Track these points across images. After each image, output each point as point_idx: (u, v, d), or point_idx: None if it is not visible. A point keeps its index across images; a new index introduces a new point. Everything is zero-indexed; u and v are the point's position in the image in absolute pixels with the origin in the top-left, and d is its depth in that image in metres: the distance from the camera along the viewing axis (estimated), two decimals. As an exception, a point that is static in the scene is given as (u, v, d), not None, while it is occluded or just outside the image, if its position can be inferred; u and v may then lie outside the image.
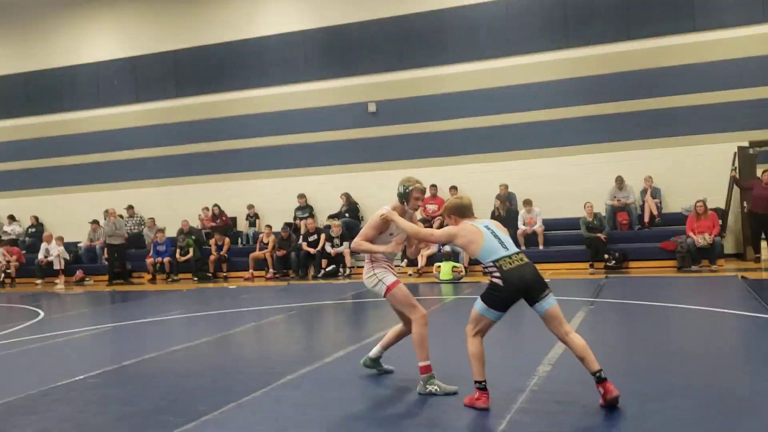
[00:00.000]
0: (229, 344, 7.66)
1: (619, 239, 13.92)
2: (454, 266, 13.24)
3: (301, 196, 16.82)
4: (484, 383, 4.50)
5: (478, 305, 4.54)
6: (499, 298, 4.46)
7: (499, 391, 4.68)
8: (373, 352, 5.52)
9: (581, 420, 4.22)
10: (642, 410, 4.32)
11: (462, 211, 4.81)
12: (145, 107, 18.74)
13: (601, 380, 4.32)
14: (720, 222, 13.05)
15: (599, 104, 14.86)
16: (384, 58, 16.53)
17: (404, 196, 5.08)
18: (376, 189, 16.48)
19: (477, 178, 15.58)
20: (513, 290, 4.42)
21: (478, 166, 15.69)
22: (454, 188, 15.37)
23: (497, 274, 4.45)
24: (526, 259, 4.54)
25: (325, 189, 16.85)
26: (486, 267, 4.54)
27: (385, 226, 5.05)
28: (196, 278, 15.93)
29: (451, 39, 15.98)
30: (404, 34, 16.35)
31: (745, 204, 13.45)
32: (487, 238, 4.56)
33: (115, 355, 7.26)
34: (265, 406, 4.89)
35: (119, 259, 16.55)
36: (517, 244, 14.15)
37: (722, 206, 13.63)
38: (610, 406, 4.30)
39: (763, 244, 13.45)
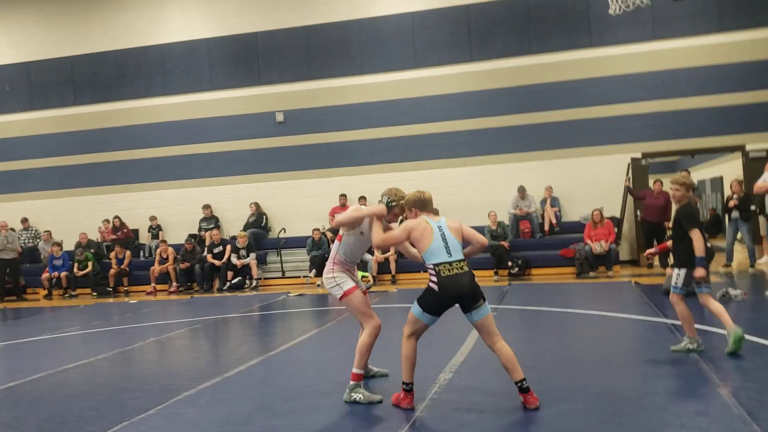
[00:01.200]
0: (127, 361, 7.39)
1: (522, 247, 14.31)
2: (363, 275, 13.22)
3: (206, 207, 16.49)
4: (410, 385, 4.62)
5: (414, 308, 4.62)
6: (433, 303, 4.53)
7: (394, 393, 4.69)
8: None
9: (479, 426, 4.28)
10: (540, 413, 4.43)
11: (422, 204, 4.83)
12: (41, 115, 17.93)
13: (523, 390, 4.48)
14: (615, 230, 13.61)
15: (502, 116, 15.26)
16: (291, 68, 16.44)
17: (387, 207, 5.00)
18: (284, 199, 16.39)
19: (383, 188, 15.61)
20: (447, 297, 4.49)
21: (385, 176, 15.76)
22: (363, 198, 15.44)
23: (434, 279, 4.52)
24: (466, 268, 4.56)
25: (232, 199, 16.59)
26: (427, 268, 4.58)
27: (358, 221, 5.04)
28: (95, 293, 15.32)
29: (358, 50, 16.07)
30: (312, 45, 16.32)
31: (638, 212, 14.08)
32: (435, 239, 4.59)
33: (2, 375, 6.87)
34: (158, 424, 4.72)
35: (11, 275, 15.68)
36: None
37: (617, 215, 14.22)
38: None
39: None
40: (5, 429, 4.81)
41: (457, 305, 4.59)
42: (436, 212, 4.95)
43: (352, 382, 4.86)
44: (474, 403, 4.76)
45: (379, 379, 5.51)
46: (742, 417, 4.10)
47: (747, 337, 6.37)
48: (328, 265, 5.18)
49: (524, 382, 4.47)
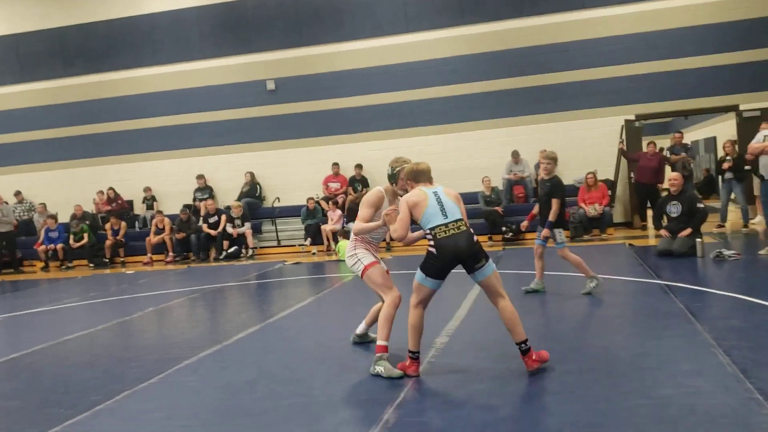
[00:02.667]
0: (126, 331, 7.44)
1: (516, 212, 14.33)
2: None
3: (200, 177, 16.44)
4: (417, 354, 4.61)
5: (417, 275, 4.59)
6: (434, 267, 4.51)
7: (400, 362, 4.74)
8: (359, 329, 5.66)
9: (475, 388, 4.34)
10: (536, 375, 4.49)
11: (416, 175, 4.80)
12: (31, 87, 17.76)
13: (523, 351, 4.49)
14: (609, 192, 13.65)
15: (495, 80, 15.19)
16: (282, 35, 16.28)
17: (392, 177, 5.03)
18: (277, 168, 16.35)
19: (378, 155, 15.62)
20: (446, 259, 4.46)
21: (378, 143, 15.76)
22: (358, 166, 15.43)
23: (432, 243, 4.49)
24: (463, 228, 4.52)
25: (225, 169, 16.56)
26: (426, 234, 4.57)
27: (379, 201, 5.04)
28: (91, 264, 15.35)
29: (349, 15, 15.90)
30: (301, 11, 16.14)
31: (632, 175, 14.10)
32: (430, 204, 4.57)
33: (3, 347, 6.92)
34: (160, 392, 4.78)
35: (8, 248, 15.70)
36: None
37: (611, 177, 14.25)
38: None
39: (649, 212, 14.14)
40: (9, 400, 4.86)
41: (461, 268, 4.55)
42: (430, 179, 4.92)
43: (376, 354, 4.74)
44: (470, 366, 4.82)
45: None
46: (736, 375, 4.17)
47: (741, 297, 6.47)
48: (351, 243, 5.20)
49: (524, 344, 4.48)
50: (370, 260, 5.04)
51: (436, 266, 4.51)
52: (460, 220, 4.57)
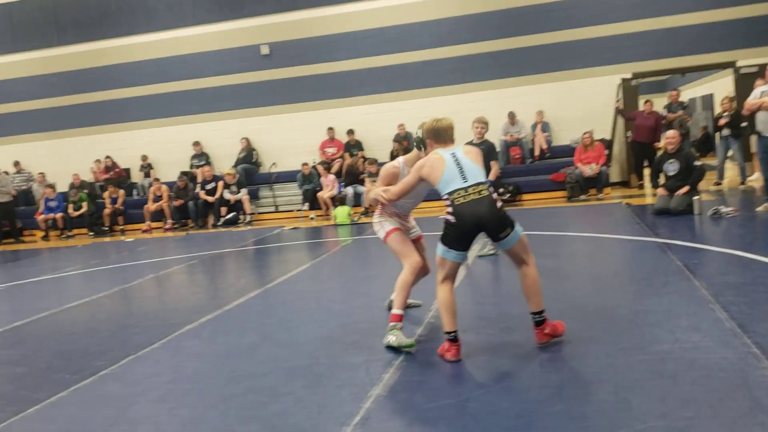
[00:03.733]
0: (127, 298, 7.49)
1: (513, 173, 14.33)
2: (349, 212, 13.37)
3: (196, 144, 16.39)
4: (454, 334, 4.14)
5: (438, 248, 4.19)
6: (452, 236, 4.11)
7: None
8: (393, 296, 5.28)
9: (475, 345, 4.39)
10: (531, 334, 4.53)
11: (435, 134, 4.37)
12: (25, 56, 17.60)
13: (536, 323, 4.19)
14: (606, 152, 13.63)
15: (490, 41, 15.05)
16: (275, -1, 16.10)
17: (421, 143, 4.64)
18: (273, 133, 16.29)
19: (374, 119, 15.60)
20: (466, 226, 4.06)
21: (374, 107, 15.69)
22: (350, 132, 15.40)
23: (450, 209, 4.08)
24: (485, 192, 4.07)
25: (221, 135, 16.49)
26: (444, 200, 4.14)
27: (393, 178, 4.73)
28: (91, 233, 15.38)
29: (343, -23, 15.70)
30: (294, -27, 15.94)
31: (628, 134, 14.07)
32: (448, 167, 4.15)
33: (7, 315, 6.95)
34: (164, 356, 4.84)
35: (7, 217, 15.71)
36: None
37: (608, 137, 14.22)
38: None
39: (646, 171, 14.14)
40: (16, 366, 4.92)
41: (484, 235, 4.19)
42: (452, 139, 4.44)
43: (390, 323, 4.45)
44: (468, 326, 4.86)
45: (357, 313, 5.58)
46: (734, 330, 4.22)
47: (738, 253, 6.51)
48: (377, 211, 5.01)
49: (539, 315, 4.16)
50: (392, 226, 4.87)
51: (455, 235, 4.09)
52: (482, 183, 4.12)
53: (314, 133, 15.84)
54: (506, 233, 4.10)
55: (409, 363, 4.20)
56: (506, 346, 4.36)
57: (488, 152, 7.45)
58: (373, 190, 4.62)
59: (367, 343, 4.63)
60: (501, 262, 7.61)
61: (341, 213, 13.20)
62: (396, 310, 4.50)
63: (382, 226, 4.90)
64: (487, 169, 7.21)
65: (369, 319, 5.14)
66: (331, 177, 14.60)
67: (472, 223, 4.05)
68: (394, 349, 4.36)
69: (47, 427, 3.71)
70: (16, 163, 17.41)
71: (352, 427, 3.32)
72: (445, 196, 4.12)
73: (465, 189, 4.08)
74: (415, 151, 4.76)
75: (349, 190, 14.24)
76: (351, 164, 14.75)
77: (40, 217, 15.65)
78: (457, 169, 4.15)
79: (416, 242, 5.09)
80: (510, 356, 4.15)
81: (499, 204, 4.10)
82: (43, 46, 17.46)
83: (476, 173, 4.16)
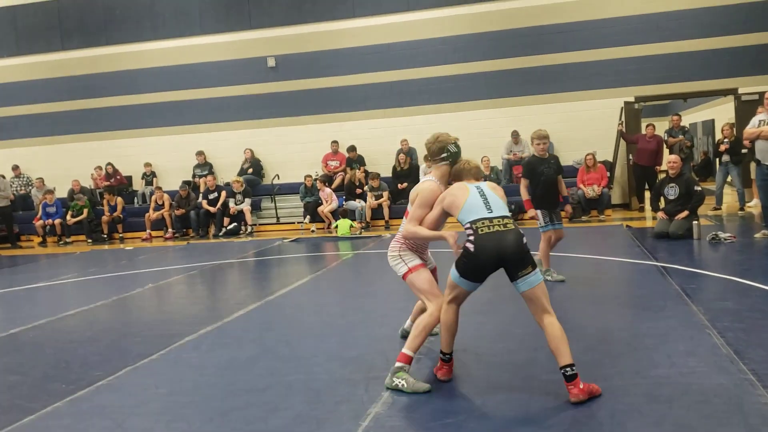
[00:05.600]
0: (126, 307, 7.49)
1: (515, 192, 14.29)
2: (351, 225, 13.47)
3: (200, 154, 16.43)
4: (448, 355, 4.12)
5: (452, 271, 4.00)
6: (469, 266, 3.90)
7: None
8: (407, 324, 5.04)
9: (474, 365, 4.40)
10: (533, 356, 4.56)
11: (457, 175, 4.26)
12: (29, 60, 17.67)
13: (567, 377, 3.71)
14: (608, 174, 13.68)
15: (495, 60, 15.15)
16: (282, 12, 16.19)
17: (455, 156, 4.37)
18: (277, 145, 16.36)
19: (378, 134, 15.68)
20: (485, 258, 3.83)
21: (379, 122, 15.78)
22: (351, 149, 15.48)
23: (471, 238, 3.86)
24: (511, 226, 3.86)
25: (225, 145, 16.55)
26: (465, 230, 3.94)
27: (435, 198, 4.23)
28: (90, 240, 15.38)
29: (350, -8, 15.84)
30: (302, -13, 16.07)
31: (630, 156, 14.13)
32: (472, 196, 3.99)
33: (2, 322, 6.95)
34: (162, 368, 4.84)
35: (5, 222, 15.70)
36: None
37: (610, 159, 14.28)
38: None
39: (647, 194, 14.19)
40: (11, 374, 4.92)
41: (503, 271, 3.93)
42: (476, 177, 4.29)
43: (398, 364, 4.06)
44: (468, 345, 4.87)
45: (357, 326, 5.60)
46: (730, 356, 4.23)
47: (735, 279, 6.54)
48: (396, 242, 4.47)
49: (570, 368, 3.71)
50: (415, 263, 4.37)
51: (472, 266, 3.89)
52: (508, 217, 3.94)
53: (318, 146, 15.90)
54: (528, 271, 3.82)
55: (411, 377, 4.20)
56: (506, 366, 4.38)
57: (559, 166, 7.21)
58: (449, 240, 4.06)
59: (367, 360, 4.64)
60: (504, 281, 7.62)
61: (343, 225, 13.26)
62: (408, 352, 4.09)
63: (403, 260, 4.39)
64: (556, 185, 7.12)
65: (368, 335, 5.16)
66: (328, 191, 14.62)
67: (494, 255, 3.81)
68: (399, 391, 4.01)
69: (44, 435, 3.71)
70: (15, 168, 17.41)
71: (349, 445, 3.33)
72: (467, 225, 3.91)
73: (490, 219, 3.88)
74: (444, 167, 4.37)
75: (351, 204, 14.31)
76: (350, 178, 14.84)
77: (38, 223, 15.65)
78: (482, 199, 3.98)
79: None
80: (510, 377, 4.16)
81: (525, 239, 3.86)
82: (47, 51, 17.54)
83: (501, 206, 3.98)
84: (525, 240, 3.86)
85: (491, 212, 3.92)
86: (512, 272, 3.85)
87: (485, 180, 4.48)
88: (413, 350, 4.09)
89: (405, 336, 4.91)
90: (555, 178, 7.07)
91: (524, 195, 7.16)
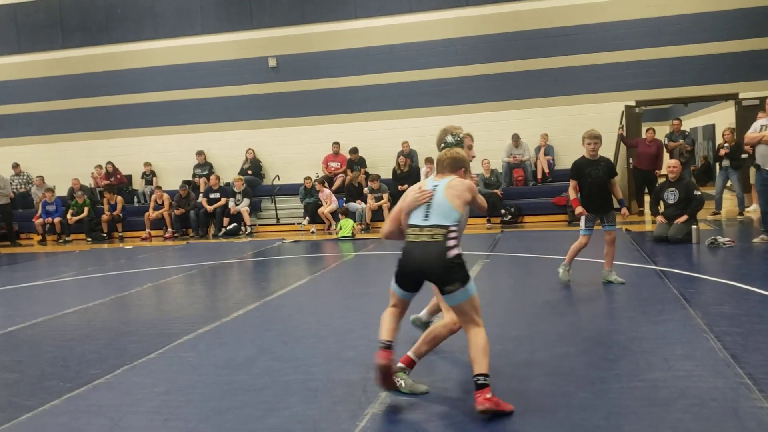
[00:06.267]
0: (125, 306, 7.49)
1: (515, 195, 14.40)
2: (354, 225, 13.49)
3: (200, 153, 16.44)
4: (387, 343, 3.78)
5: (392, 278, 3.90)
6: (398, 273, 3.81)
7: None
8: (422, 314, 4.94)
9: (470, 366, 4.40)
10: (531, 357, 4.57)
11: (437, 163, 4.09)
12: (30, 58, 17.69)
13: (477, 386, 3.61)
14: (608, 178, 13.66)
15: (496, 63, 15.16)
16: (284, 12, 16.21)
17: (458, 146, 4.16)
18: (277, 146, 16.36)
19: (379, 135, 15.69)
20: (408, 268, 3.74)
21: (379, 123, 15.79)
22: (353, 151, 15.47)
23: (403, 244, 3.82)
24: (438, 238, 3.66)
25: (225, 146, 16.55)
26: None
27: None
28: (89, 239, 15.38)
29: (352, -6, 15.85)
30: (304, -12, 16.08)
31: (630, 160, 14.13)
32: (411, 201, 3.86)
33: (1, 320, 6.93)
34: (159, 367, 4.84)
35: (5, 220, 15.71)
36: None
37: (610, 163, 14.26)
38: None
39: (646, 198, 14.19)
40: (8, 372, 4.92)
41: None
42: (451, 169, 3.98)
43: (399, 365, 3.96)
44: (465, 346, 4.85)
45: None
46: (727, 360, 4.24)
47: (734, 283, 6.54)
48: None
49: (481, 378, 3.60)
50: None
51: (400, 274, 3.79)
52: (441, 227, 3.69)
53: (318, 147, 15.90)
54: (453, 288, 3.63)
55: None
56: (502, 368, 4.37)
57: (611, 169, 7.02)
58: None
59: (365, 360, 4.63)
60: (503, 282, 7.63)
61: (346, 225, 13.25)
62: (413, 356, 4.00)
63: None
64: (608, 188, 6.93)
65: (366, 336, 5.15)
66: (327, 192, 14.62)
67: (415, 267, 3.70)
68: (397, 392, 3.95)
69: (40, 433, 3.71)
70: (16, 165, 17.42)
71: (345, 445, 3.34)
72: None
73: (420, 228, 3.74)
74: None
75: (352, 205, 14.34)
76: (351, 180, 14.85)
77: (38, 221, 15.66)
78: (426, 204, 3.81)
79: None
80: (507, 378, 4.16)
81: (452, 253, 3.65)
82: (48, 49, 17.56)
83: (443, 214, 3.74)
84: (453, 254, 3.64)
85: (426, 220, 3.75)
86: (439, 286, 3.72)
87: (476, 176, 4.34)
88: (419, 357, 4.02)
89: (415, 323, 4.93)
90: (604, 181, 6.88)
91: (572, 195, 7.11)
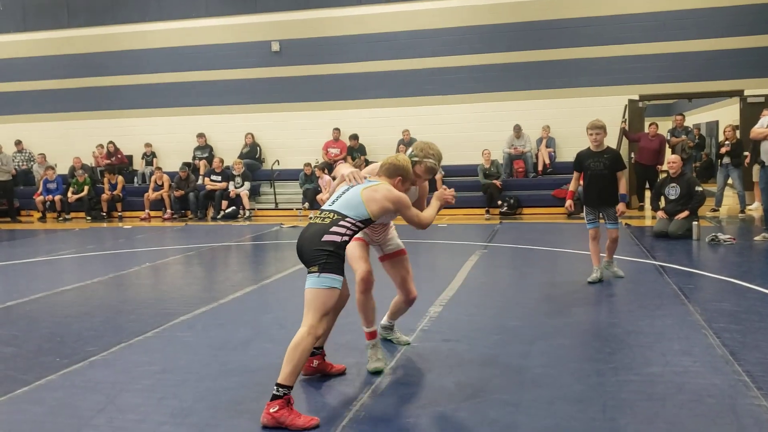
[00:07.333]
0: (123, 285, 7.48)
1: (515, 186, 14.37)
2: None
3: (201, 136, 16.40)
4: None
5: None
6: None
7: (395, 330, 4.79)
8: (384, 320, 4.78)
9: (468, 356, 4.40)
10: (528, 347, 4.56)
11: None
12: (34, 36, 17.61)
13: (273, 396, 3.41)
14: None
15: (500, 53, 15.09)
16: (289, -4, 16.14)
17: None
18: (278, 131, 16.31)
19: (379, 123, 15.63)
20: (297, 249, 3.65)
21: (381, 111, 15.73)
22: (354, 137, 15.40)
23: None
24: (327, 221, 3.57)
25: (226, 129, 16.50)
26: None
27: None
28: (89, 218, 15.37)
29: (358, -21, 15.76)
30: (310, -28, 15.99)
31: (632, 155, 14.10)
32: (341, 189, 3.82)
33: (-2, 295, 6.96)
34: (156, 346, 4.84)
35: (6, 196, 15.71)
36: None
37: (612, 157, 14.22)
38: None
39: (647, 193, 14.17)
40: (5, 346, 4.91)
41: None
42: (387, 174, 3.89)
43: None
44: (462, 336, 4.88)
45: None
46: (725, 357, 4.23)
47: (733, 281, 6.53)
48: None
49: (278, 389, 3.40)
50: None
51: None
52: (339, 214, 3.60)
53: (319, 133, 15.85)
54: (312, 270, 3.49)
55: (401, 368, 4.21)
56: (499, 358, 4.37)
57: (614, 162, 6.59)
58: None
59: (359, 345, 4.63)
60: (500, 273, 7.62)
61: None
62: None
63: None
64: (615, 181, 6.59)
65: (359, 321, 5.13)
66: (327, 178, 14.56)
67: (298, 247, 3.63)
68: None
69: (34, 409, 3.70)
70: (18, 143, 17.38)
71: (340, 429, 3.33)
72: None
73: (322, 210, 3.71)
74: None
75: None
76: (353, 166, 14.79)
77: (39, 198, 15.65)
78: (340, 194, 3.75)
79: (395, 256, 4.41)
80: (502, 369, 4.16)
81: (329, 238, 3.49)
82: (54, 27, 17.47)
83: (349, 206, 3.63)
84: (329, 239, 3.49)
85: (331, 206, 3.69)
86: (306, 266, 3.55)
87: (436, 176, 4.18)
88: (367, 324, 4.23)
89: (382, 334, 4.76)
90: (605, 174, 6.53)
91: (571, 186, 6.96)
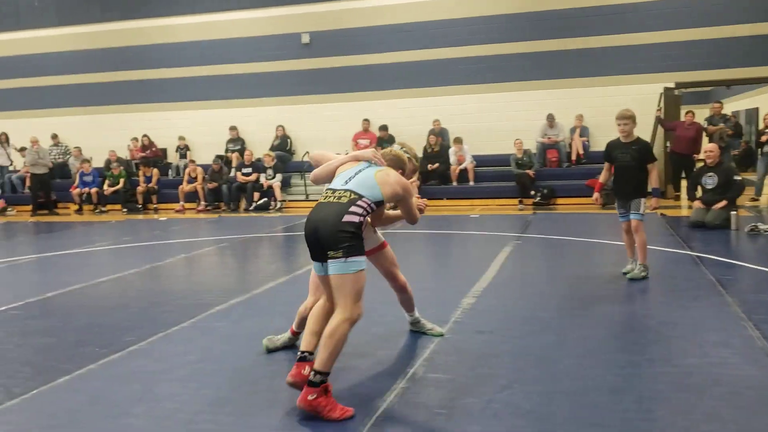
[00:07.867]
0: (158, 276, 7.60)
1: (548, 176, 14.24)
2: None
3: (233, 129, 16.53)
4: (300, 353, 3.72)
5: None
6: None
7: (427, 320, 4.80)
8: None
9: (501, 347, 4.39)
10: (562, 338, 4.54)
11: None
12: (69, 31, 17.86)
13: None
14: (644, 161, 13.43)
15: (532, 41, 14.92)
16: (319, -13, 16.15)
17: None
18: (308, 122, 16.35)
19: (410, 113, 15.59)
20: (306, 231, 3.50)
21: (411, 101, 15.67)
22: (383, 128, 15.35)
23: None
24: (344, 200, 3.46)
25: (257, 121, 16.60)
26: None
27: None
28: (125, 210, 15.61)
29: (388, -30, 15.70)
30: (340, -37, 15.97)
31: (668, 144, 13.88)
32: (349, 170, 3.71)
33: (38, 286, 7.08)
34: (192, 336, 4.91)
35: (43, 189, 16.04)
36: (448, 181, 14.51)
37: (647, 146, 14.02)
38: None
39: (683, 183, 13.94)
40: (45, 337, 5.02)
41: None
42: (392, 166, 3.91)
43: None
44: (495, 327, 4.86)
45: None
46: (765, 349, 4.16)
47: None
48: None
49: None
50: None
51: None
52: (355, 194, 3.50)
53: (349, 123, 15.85)
54: (336, 255, 3.35)
55: (435, 359, 4.21)
56: (532, 349, 4.35)
57: (642, 154, 6.35)
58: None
59: (393, 336, 4.65)
60: (534, 264, 7.58)
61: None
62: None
63: None
64: (645, 173, 6.35)
65: (393, 313, 5.14)
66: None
67: (310, 229, 3.47)
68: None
69: (75, 398, 3.78)
70: (54, 136, 17.68)
71: (374, 419, 3.34)
72: None
73: (333, 190, 3.58)
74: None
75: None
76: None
77: (75, 191, 15.94)
78: (350, 174, 3.65)
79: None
80: (535, 360, 4.14)
81: (348, 219, 3.39)
82: (87, 22, 17.69)
83: (364, 185, 3.55)
84: (348, 220, 3.39)
85: (345, 185, 3.57)
86: (323, 250, 3.41)
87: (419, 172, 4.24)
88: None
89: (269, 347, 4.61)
90: (632, 166, 6.30)
91: (601, 177, 6.80)
